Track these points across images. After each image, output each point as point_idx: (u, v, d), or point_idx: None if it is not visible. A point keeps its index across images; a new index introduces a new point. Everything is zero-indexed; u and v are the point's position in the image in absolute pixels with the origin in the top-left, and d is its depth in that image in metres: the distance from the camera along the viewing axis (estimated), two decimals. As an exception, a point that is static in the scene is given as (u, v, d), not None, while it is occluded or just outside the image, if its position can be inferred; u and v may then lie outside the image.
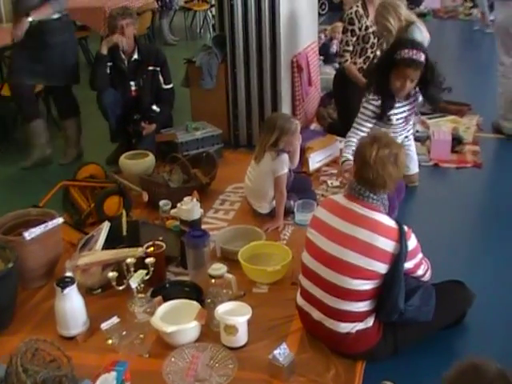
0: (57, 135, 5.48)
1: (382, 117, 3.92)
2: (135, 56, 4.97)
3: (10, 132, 5.92)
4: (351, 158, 3.55)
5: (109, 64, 4.90)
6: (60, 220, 3.38)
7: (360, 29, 5.11)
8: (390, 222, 2.62)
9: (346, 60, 5.19)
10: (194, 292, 3.13)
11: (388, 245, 2.56)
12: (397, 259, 2.57)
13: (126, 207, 3.91)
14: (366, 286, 2.60)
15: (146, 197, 4.14)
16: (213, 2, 9.39)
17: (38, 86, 5.40)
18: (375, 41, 5.20)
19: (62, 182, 4.16)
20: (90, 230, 3.69)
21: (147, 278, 3.09)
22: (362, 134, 3.89)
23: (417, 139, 4.96)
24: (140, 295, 3.06)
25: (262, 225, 3.88)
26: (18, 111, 5.56)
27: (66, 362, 2.50)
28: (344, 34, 5.20)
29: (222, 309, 2.84)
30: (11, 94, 5.09)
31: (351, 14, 5.12)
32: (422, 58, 3.70)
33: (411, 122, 4.32)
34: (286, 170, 3.90)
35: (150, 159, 4.59)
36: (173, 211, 3.71)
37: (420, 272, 2.77)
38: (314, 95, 6.06)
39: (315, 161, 4.74)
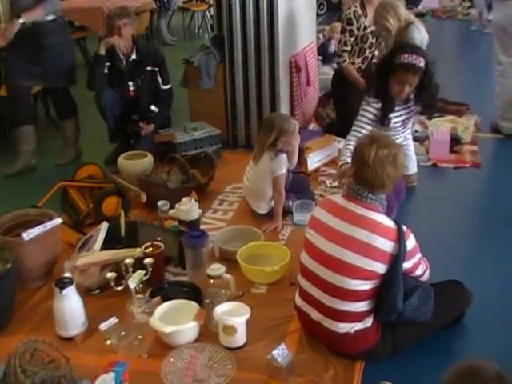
0: (55, 135, 5.48)
1: (383, 120, 3.89)
2: (133, 56, 4.97)
3: (8, 132, 5.90)
4: (350, 161, 3.53)
5: (107, 64, 4.90)
6: (58, 220, 3.38)
7: (358, 29, 5.11)
8: (388, 222, 2.62)
9: (344, 60, 5.19)
10: (193, 292, 3.13)
11: (387, 245, 2.56)
12: (395, 259, 2.57)
13: (124, 208, 3.90)
14: (365, 286, 2.60)
15: (144, 197, 4.14)
16: (211, 3, 9.39)
17: (35, 87, 5.39)
18: (373, 41, 5.20)
19: (61, 183, 4.16)
20: (89, 230, 3.70)
21: (146, 278, 3.09)
22: None
23: (415, 139, 4.96)
24: (138, 296, 3.06)
25: (260, 225, 3.88)
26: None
27: (65, 362, 2.50)
28: (342, 34, 5.20)
29: (221, 309, 2.84)
30: (7, 95, 5.02)
31: (349, 14, 5.12)
32: (422, 63, 3.67)
33: (409, 126, 4.31)
34: (284, 170, 3.90)
35: (149, 160, 4.58)
36: (171, 211, 3.71)
37: (419, 272, 2.77)
38: (313, 95, 6.06)
39: (314, 161, 4.74)
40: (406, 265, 2.65)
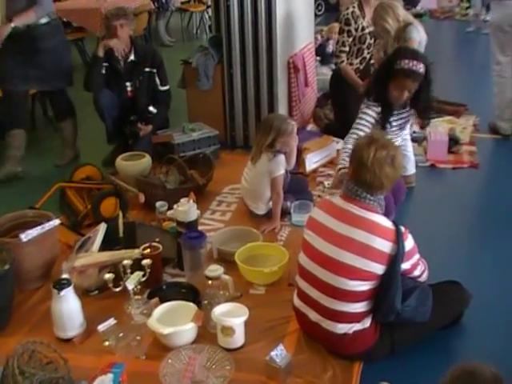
0: (53, 136, 5.47)
1: (384, 124, 3.85)
2: (131, 57, 4.97)
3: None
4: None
5: (104, 64, 4.90)
6: (56, 221, 3.38)
7: (356, 29, 5.11)
8: (386, 223, 2.62)
9: (342, 61, 5.19)
10: (191, 293, 3.13)
11: (385, 246, 2.56)
12: (394, 260, 2.57)
13: (122, 208, 3.90)
14: (363, 286, 2.60)
15: (142, 198, 4.14)
16: (209, 3, 9.38)
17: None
18: (372, 41, 5.20)
19: (59, 184, 4.15)
20: (87, 231, 3.69)
21: (144, 279, 3.09)
22: None
23: (414, 140, 4.97)
24: (137, 297, 3.06)
25: (258, 226, 3.88)
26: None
27: (63, 363, 2.50)
28: (340, 35, 5.19)
29: (219, 310, 2.84)
30: (2, 98, 4.96)
31: (347, 14, 5.12)
32: (422, 69, 3.63)
33: (407, 127, 4.30)
34: (282, 171, 3.90)
35: (147, 160, 4.58)
36: (169, 212, 3.71)
37: (417, 273, 2.77)
38: (311, 96, 6.06)
39: (312, 162, 4.74)
40: (405, 265, 2.65)
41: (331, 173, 4.65)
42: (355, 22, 5.10)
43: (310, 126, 5.81)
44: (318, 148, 4.84)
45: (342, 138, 4.19)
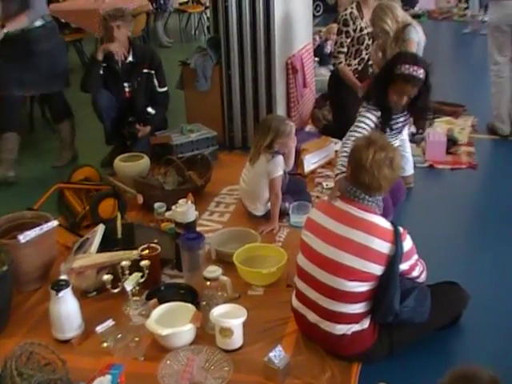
0: (52, 138, 5.47)
1: (385, 129, 3.83)
2: (130, 58, 4.96)
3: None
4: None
5: (103, 65, 4.89)
6: (55, 223, 3.38)
7: (355, 30, 5.11)
8: (385, 224, 2.62)
9: (341, 62, 5.18)
10: (189, 294, 3.12)
11: (383, 246, 2.56)
12: (392, 261, 2.57)
13: (120, 210, 3.90)
14: (362, 287, 2.60)
15: (140, 199, 4.13)
16: (207, 4, 9.38)
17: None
18: (370, 42, 5.20)
19: (57, 185, 4.15)
20: (85, 232, 3.70)
21: (142, 280, 3.09)
22: None
23: (412, 141, 4.96)
24: (135, 298, 3.05)
25: (257, 227, 3.88)
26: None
27: (61, 365, 2.50)
28: (338, 36, 5.19)
29: (217, 311, 2.84)
30: None
31: (346, 15, 5.11)
32: (422, 74, 3.61)
33: (405, 129, 4.29)
34: (280, 172, 3.90)
35: (145, 161, 4.58)
36: (168, 213, 3.71)
37: (415, 273, 2.78)
38: (309, 97, 6.06)
39: (310, 162, 4.74)
40: (403, 266, 2.65)
41: (330, 174, 4.65)
42: (353, 23, 5.10)
43: (309, 127, 5.80)
44: (317, 149, 4.84)
45: (341, 138, 4.16)
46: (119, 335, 2.84)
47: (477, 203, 4.49)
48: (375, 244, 2.56)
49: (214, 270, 3.03)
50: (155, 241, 3.38)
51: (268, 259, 3.46)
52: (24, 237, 3.16)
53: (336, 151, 4.82)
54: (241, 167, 4.17)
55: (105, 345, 2.80)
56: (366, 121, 3.70)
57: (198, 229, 3.58)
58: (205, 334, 2.90)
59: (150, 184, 4.28)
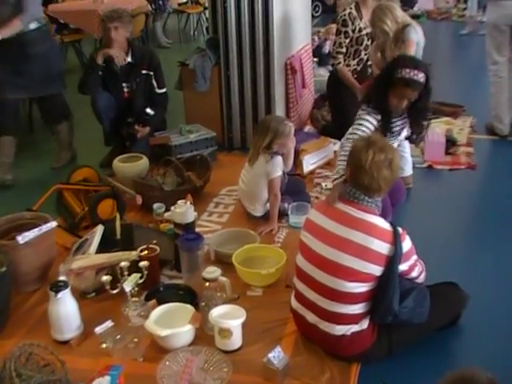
0: (50, 139, 5.46)
1: (385, 132, 3.81)
2: (128, 59, 4.96)
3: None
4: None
5: (102, 64, 4.89)
6: (54, 224, 3.38)
7: (353, 31, 5.10)
8: (384, 225, 2.62)
9: (339, 62, 5.18)
10: (188, 295, 3.12)
11: (383, 247, 2.56)
12: (391, 261, 2.57)
13: (119, 210, 3.90)
14: (361, 288, 2.60)
15: (139, 200, 4.14)
16: (206, 5, 9.40)
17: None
18: (369, 43, 5.19)
19: (56, 186, 4.15)
20: (84, 233, 3.70)
21: (141, 281, 3.09)
22: None
23: (411, 141, 4.95)
24: (134, 299, 3.05)
25: (256, 227, 3.87)
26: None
27: (60, 366, 2.49)
28: (337, 36, 5.18)
29: (217, 312, 2.83)
30: None
31: (344, 15, 5.11)
32: (423, 78, 3.60)
33: (403, 134, 4.28)
34: (279, 173, 3.90)
35: (144, 162, 4.58)
36: (167, 214, 3.71)
37: (414, 274, 2.77)
38: (308, 97, 6.06)
39: (309, 163, 4.74)
40: (402, 267, 2.65)
41: (329, 174, 4.65)
42: (352, 24, 5.09)
43: (308, 128, 5.80)
44: (316, 149, 4.84)
45: (340, 139, 4.15)
46: (118, 336, 2.84)
47: (476, 203, 4.50)
48: (374, 245, 2.56)
49: (213, 271, 3.02)
50: (154, 241, 3.38)
51: (267, 260, 3.46)
52: (23, 238, 3.16)
53: (335, 152, 4.82)
54: (240, 168, 4.17)
55: (104, 346, 2.80)
56: (367, 124, 3.67)
57: (197, 229, 3.57)
58: (204, 335, 2.90)
59: (148, 185, 4.28)
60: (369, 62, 5.27)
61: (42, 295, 3.21)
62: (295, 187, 4.21)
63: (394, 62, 3.70)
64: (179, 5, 11.30)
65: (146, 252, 3.27)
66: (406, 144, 4.51)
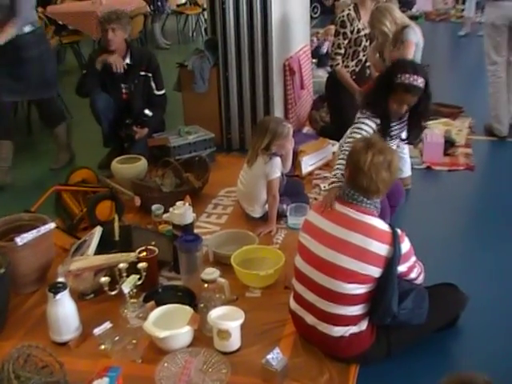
0: (49, 140, 5.46)
1: (385, 136, 3.80)
2: (127, 60, 4.95)
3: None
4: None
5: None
6: (52, 225, 3.38)
7: (352, 32, 5.11)
8: (383, 226, 2.62)
9: (338, 63, 5.18)
10: (187, 297, 3.12)
11: (382, 249, 2.56)
12: (390, 263, 2.57)
13: (118, 212, 3.90)
14: (360, 289, 2.60)
15: (138, 201, 4.13)
16: (205, 6, 9.39)
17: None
18: (367, 44, 5.20)
19: (54, 187, 4.14)
20: (83, 234, 3.69)
21: (140, 282, 3.09)
22: None
23: (409, 142, 4.95)
24: (132, 300, 3.05)
25: (254, 229, 3.87)
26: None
27: (59, 367, 2.49)
28: (336, 37, 5.19)
29: (215, 313, 2.83)
30: None
31: (343, 16, 5.11)
32: (422, 84, 3.59)
33: (402, 136, 4.27)
34: (278, 174, 3.90)
35: (142, 163, 4.58)
36: (165, 216, 3.70)
37: (413, 275, 2.77)
38: (307, 98, 6.06)
39: (308, 164, 4.74)
40: (401, 268, 2.65)
41: (327, 175, 4.64)
42: (351, 25, 5.10)
43: (306, 129, 5.80)
44: (314, 150, 4.84)
45: (338, 140, 4.17)
46: (117, 338, 2.84)
47: (474, 204, 4.50)
48: (373, 246, 2.56)
49: (211, 272, 3.02)
50: (153, 243, 3.37)
51: (266, 261, 3.46)
52: (21, 239, 3.16)
53: (334, 153, 4.82)
54: (238, 169, 4.17)
55: (102, 347, 2.80)
56: (366, 128, 3.64)
57: (196, 231, 3.57)
58: (202, 337, 2.90)
59: (147, 186, 4.27)
60: (367, 63, 5.28)
61: (41, 297, 3.21)
62: (294, 188, 4.21)
63: (394, 67, 3.69)
64: (178, 6, 11.30)
65: (144, 253, 3.26)
66: (405, 145, 4.51)
